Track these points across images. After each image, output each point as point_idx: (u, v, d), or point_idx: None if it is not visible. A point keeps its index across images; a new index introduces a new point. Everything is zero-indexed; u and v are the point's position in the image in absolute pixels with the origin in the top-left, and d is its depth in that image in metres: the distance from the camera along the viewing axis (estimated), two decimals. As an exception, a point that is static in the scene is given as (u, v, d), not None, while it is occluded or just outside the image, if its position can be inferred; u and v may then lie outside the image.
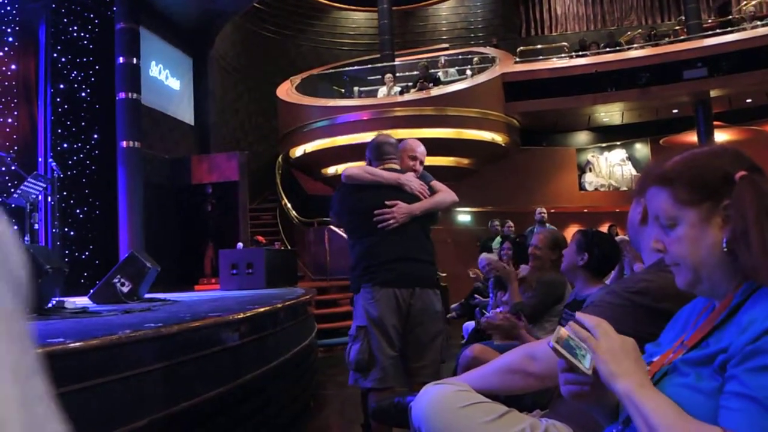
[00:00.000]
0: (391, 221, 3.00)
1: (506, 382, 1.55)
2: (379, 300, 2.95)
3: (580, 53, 13.80)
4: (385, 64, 14.22)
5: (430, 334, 3.03)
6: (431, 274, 3.12)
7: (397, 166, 3.26)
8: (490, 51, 14.83)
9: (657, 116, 14.51)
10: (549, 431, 1.45)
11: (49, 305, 4.82)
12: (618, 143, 15.71)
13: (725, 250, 1.03)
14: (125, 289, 5.67)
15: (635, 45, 13.78)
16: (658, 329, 1.26)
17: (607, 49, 13.70)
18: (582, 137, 15.86)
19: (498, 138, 13.09)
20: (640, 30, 15.63)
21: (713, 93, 12.82)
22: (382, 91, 13.32)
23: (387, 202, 3.02)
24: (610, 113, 14.57)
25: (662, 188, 1.11)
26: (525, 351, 1.59)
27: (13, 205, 6.49)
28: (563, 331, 1.10)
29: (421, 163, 3.43)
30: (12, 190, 6.06)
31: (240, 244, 9.17)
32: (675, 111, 13.97)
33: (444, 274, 11.30)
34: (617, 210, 14.75)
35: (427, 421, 1.45)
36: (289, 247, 11.30)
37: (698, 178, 1.07)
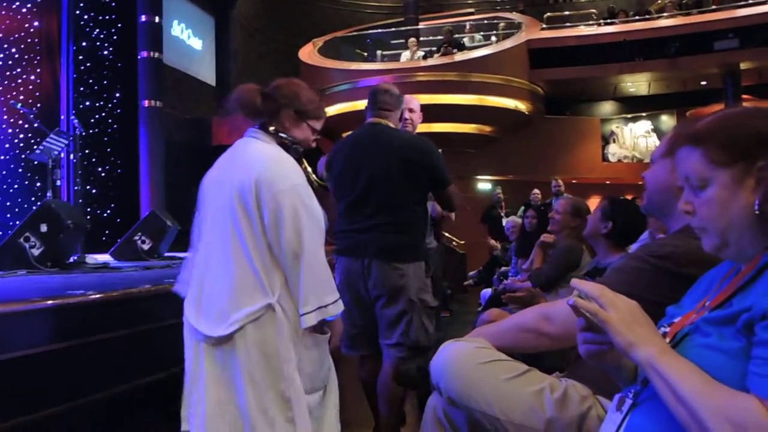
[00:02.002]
0: None
1: (519, 340, 1.54)
2: (338, 268, 2.78)
3: (609, 21, 13.50)
4: (408, 27, 14.03)
5: (391, 312, 2.69)
6: (391, 245, 2.71)
7: (386, 121, 2.89)
8: (516, 16, 14.57)
9: (684, 88, 14.22)
10: (568, 391, 1.44)
11: (71, 260, 4.89)
12: (644, 114, 15.43)
13: (757, 212, 1.00)
14: (146, 247, 5.73)
15: (665, 14, 13.45)
16: (680, 294, 1.23)
17: (636, 18, 13.39)
18: (607, 107, 15.61)
19: (521, 106, 12.91)
20: (670, -1, 15.25)
21: (743, 65, 12.51)
22: (405, 55, 13.16)
23: None
24: (637, 83, 14.29)
25: (694, 148, 1.08)
26: (540, 311, 1.58)
27: (35, 162, 6.55)
28: None
29: (418, 116, 3.24)
30: (35, 146, 6.10)
31: (259, 206, 9.21)
32: (703, 83, 13.67)
33: (462, 242, 11.29)
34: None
35: (446, 377, 1.45)
36: (308, 211, 11.32)
37: (732, 138, 1.04)
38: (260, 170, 1.82)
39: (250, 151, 1.92)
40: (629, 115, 15.46)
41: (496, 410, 1.39)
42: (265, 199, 1.80)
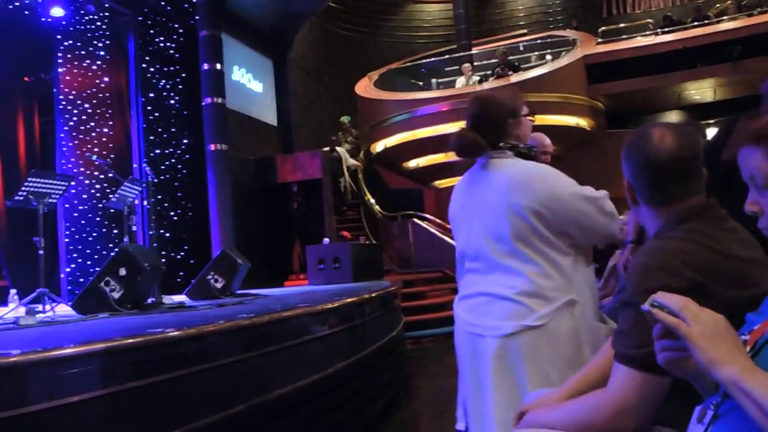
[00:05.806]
0: None
1: None
2: None
3: (666, 29, 13.22)
4: (462, 53, 14.09)
5: None
6: None
7: None
8: (570, 33, 14.45)
9: (753, 90, 13.66)
10: None
11: (149, 301, 5.07)
12: (711, 122, 14.95)
13: None
14: (219, 285, 5.88)
15: (726, 17, 13.08)
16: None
17: (695, 23, 13.08)
18: (673, 117, 15.19)
19: (582, 122, 12.73)
20: (729, 1, 14.80)
21: (814, 62, 12.02)
22: (461, 81, 13.21)
23: None
24: (702, 90, 13.89)
25: (756, 147, 1.06)
26: (609, 407, 1.31)
27: (112, 210, 6.86)
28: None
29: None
30: (110, 195, 6.39)
31: (326, 240, 9.34)
32: (773, 84, 13.17)
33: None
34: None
35: None
36: (373, 242, 11.40)
37: None
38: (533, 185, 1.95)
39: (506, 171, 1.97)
40: (696, 124, 15.02)
41: None
42: (552, 213, 1.98)
